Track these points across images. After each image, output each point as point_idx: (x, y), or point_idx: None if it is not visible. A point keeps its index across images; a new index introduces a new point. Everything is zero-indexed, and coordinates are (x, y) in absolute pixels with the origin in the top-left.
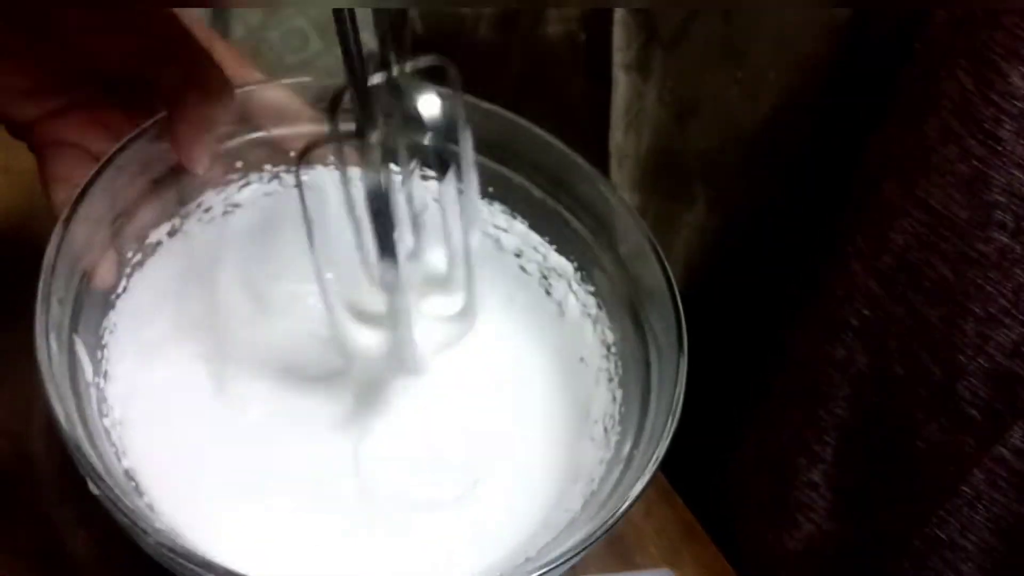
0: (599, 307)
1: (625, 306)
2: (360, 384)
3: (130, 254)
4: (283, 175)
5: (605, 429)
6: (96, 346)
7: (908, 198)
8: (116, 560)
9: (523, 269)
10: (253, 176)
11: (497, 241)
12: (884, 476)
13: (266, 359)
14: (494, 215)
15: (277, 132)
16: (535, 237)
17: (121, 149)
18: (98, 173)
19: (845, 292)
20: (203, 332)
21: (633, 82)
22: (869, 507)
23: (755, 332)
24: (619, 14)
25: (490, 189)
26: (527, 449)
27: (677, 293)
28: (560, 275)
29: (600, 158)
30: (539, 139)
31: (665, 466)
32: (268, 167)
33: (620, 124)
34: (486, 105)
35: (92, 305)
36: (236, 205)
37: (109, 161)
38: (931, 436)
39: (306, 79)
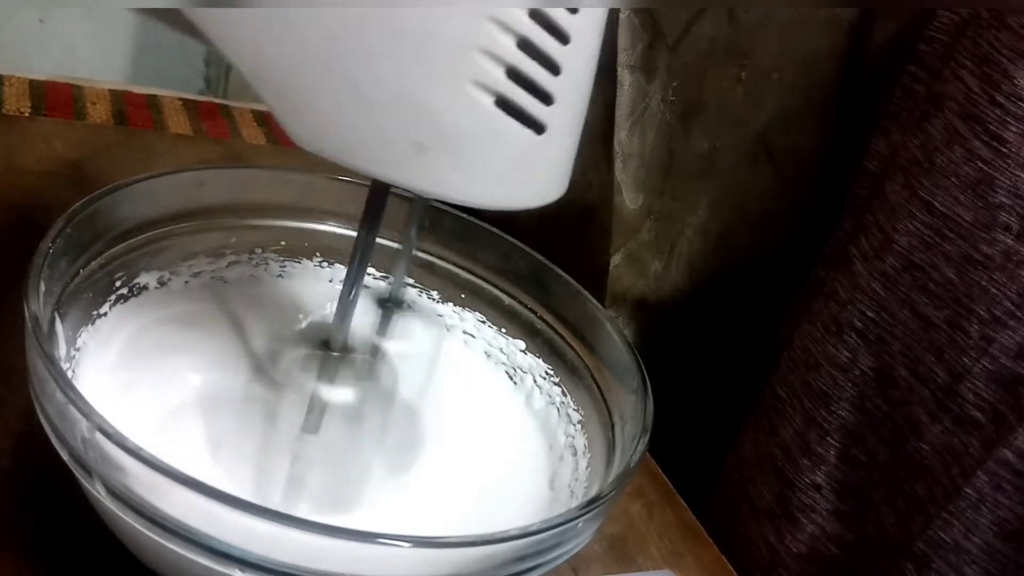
0: (564, 394)
1: (590, 386)
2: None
3: (118, 283)
4: (270, 261)
5: (571, 492)
6: (72, 339)
7: (912, 199)
8: (118, 560)
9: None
10: (243, 255)
11: (465, 343)
12: (887, 478)
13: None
14: (464, 321)
15: (291, 223)
16: (502, 340)
17: (153, 177)
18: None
19: (849, 293)
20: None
21: (638, 82)
22: (872, 509)
23: (758, 333)
24: (624, 14)
25: (462, 296)
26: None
27: (644, 369)
28: (526, 372)
29: (604, 158)
30: (507, 246)
31: (667, 467)
32: (258, 250)
33: (625, 124)
34: (456, 212)
35: (77, 309)
36: (222, 279)
37: (138, 181)
38: (935, 438)
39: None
